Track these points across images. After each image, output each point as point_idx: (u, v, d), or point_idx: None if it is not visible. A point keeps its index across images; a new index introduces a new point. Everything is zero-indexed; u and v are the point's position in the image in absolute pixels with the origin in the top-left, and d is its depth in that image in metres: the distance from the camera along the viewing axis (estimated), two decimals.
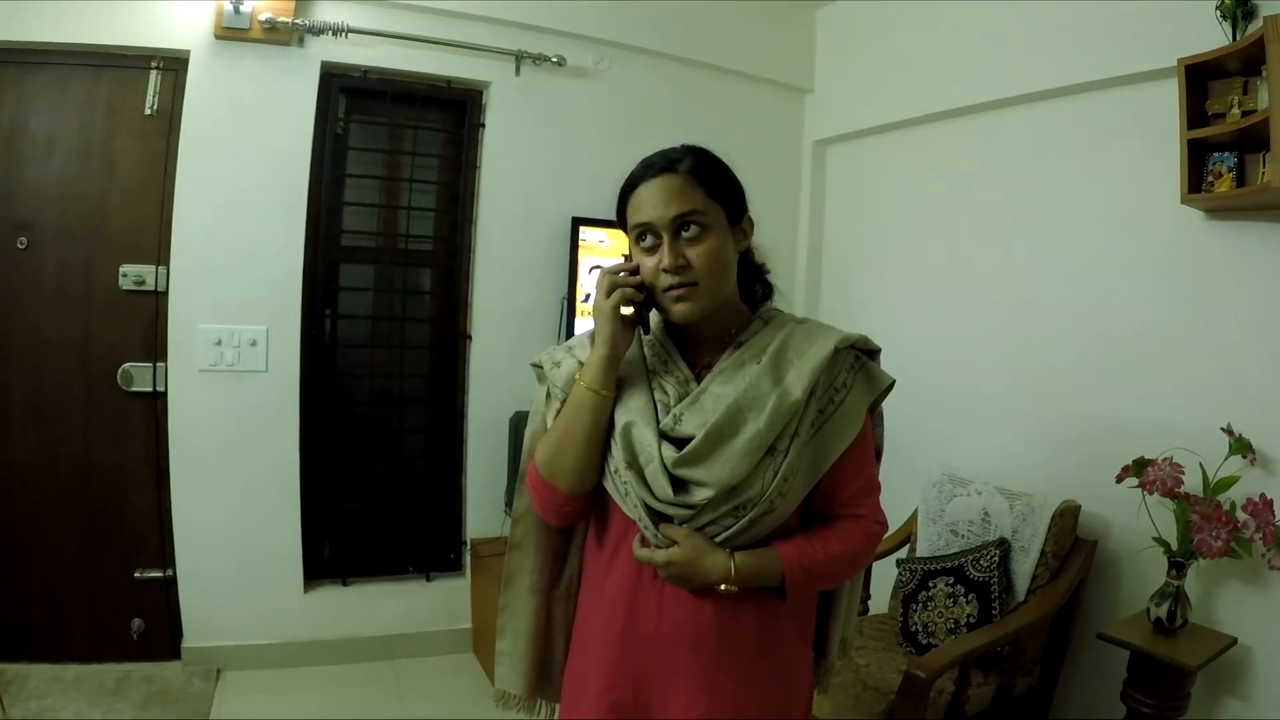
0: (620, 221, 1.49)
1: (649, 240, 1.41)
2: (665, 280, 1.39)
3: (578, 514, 1.54)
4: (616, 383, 1.46)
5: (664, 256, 1.38)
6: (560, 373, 1.52)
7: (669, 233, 1.38)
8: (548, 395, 1.55)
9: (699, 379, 1.47)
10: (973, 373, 3.49)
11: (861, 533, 1.50)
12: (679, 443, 1.39)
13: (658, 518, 1.40)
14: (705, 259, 1.38)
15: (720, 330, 1.49)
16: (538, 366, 1.59)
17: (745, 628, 1.44)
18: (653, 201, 1.39)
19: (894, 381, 1.49)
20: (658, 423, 1.42)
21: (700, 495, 1.36)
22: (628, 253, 1.49)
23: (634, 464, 1.40)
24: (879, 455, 1.61)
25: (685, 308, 1.40)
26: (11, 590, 3.17)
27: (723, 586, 1.37)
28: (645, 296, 1.44)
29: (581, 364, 1.48)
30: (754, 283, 1.57)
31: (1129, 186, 2.89)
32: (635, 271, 1.43)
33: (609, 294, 1.42)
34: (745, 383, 1.39)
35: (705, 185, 1.41)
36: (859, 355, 1.48)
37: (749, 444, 1.34)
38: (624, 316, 1.43)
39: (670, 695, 1.43)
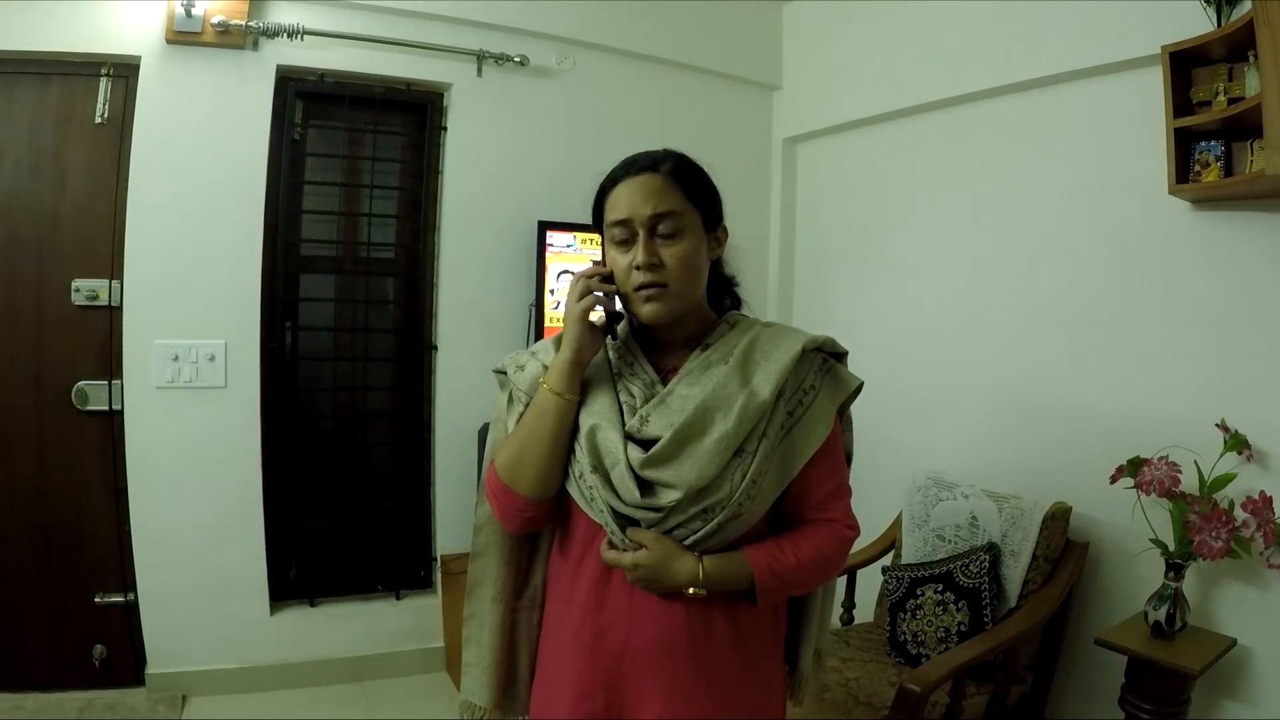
0: (596, 220, 1.57)
1: (624, 237, 1.48)
2: (637, 278, 1.46)
3: (539, 520, 1.58)
4: (581, 386, 1.52)
5: (638, 253, 1.45)
6: (524, 376, 1.58)
7: (645, 230, 1.46)
8: (510, 399, 1.62)
9: (665, 382, 1.53)
10: (955, 372, 3.56)
11: (833, 537, 1.54)
12: (645, 444, 1.45)
13: (624, 522, 1.45)
14: (678, 260, 1.46)
15: (687, 336, 1.56)
16: (500, 372, 1.66)
17: (717, 632, 1.49)
18: (631, 199, 1.47)
19: (862, 383, 1.56)
20: (623, 425, 1.47)
21: (668, 497, 1.41)
22: (600, 258, 1.57)
23: (599, 467, 1.45)
24: (849, 460, 1.67)
25: (654, 308, 1.47)
26: None
27: (691, 590, 1.42)
28: (617, 310, 1.52)
29: (546, 368, 1.54)
30: (723, 295, 1.66)
31: (1113, 178, 2.96)
32: (610, 279, 1.50)
33: (580, 298, 1.47)
34: (713, 383, 1.45)
35: (684, 187, 1.49)
36: (826, 358, 1.55)
37: (717, 444, 1.40)
38: (592, 323, 1.49)
39: (644, 702, 1.48)
